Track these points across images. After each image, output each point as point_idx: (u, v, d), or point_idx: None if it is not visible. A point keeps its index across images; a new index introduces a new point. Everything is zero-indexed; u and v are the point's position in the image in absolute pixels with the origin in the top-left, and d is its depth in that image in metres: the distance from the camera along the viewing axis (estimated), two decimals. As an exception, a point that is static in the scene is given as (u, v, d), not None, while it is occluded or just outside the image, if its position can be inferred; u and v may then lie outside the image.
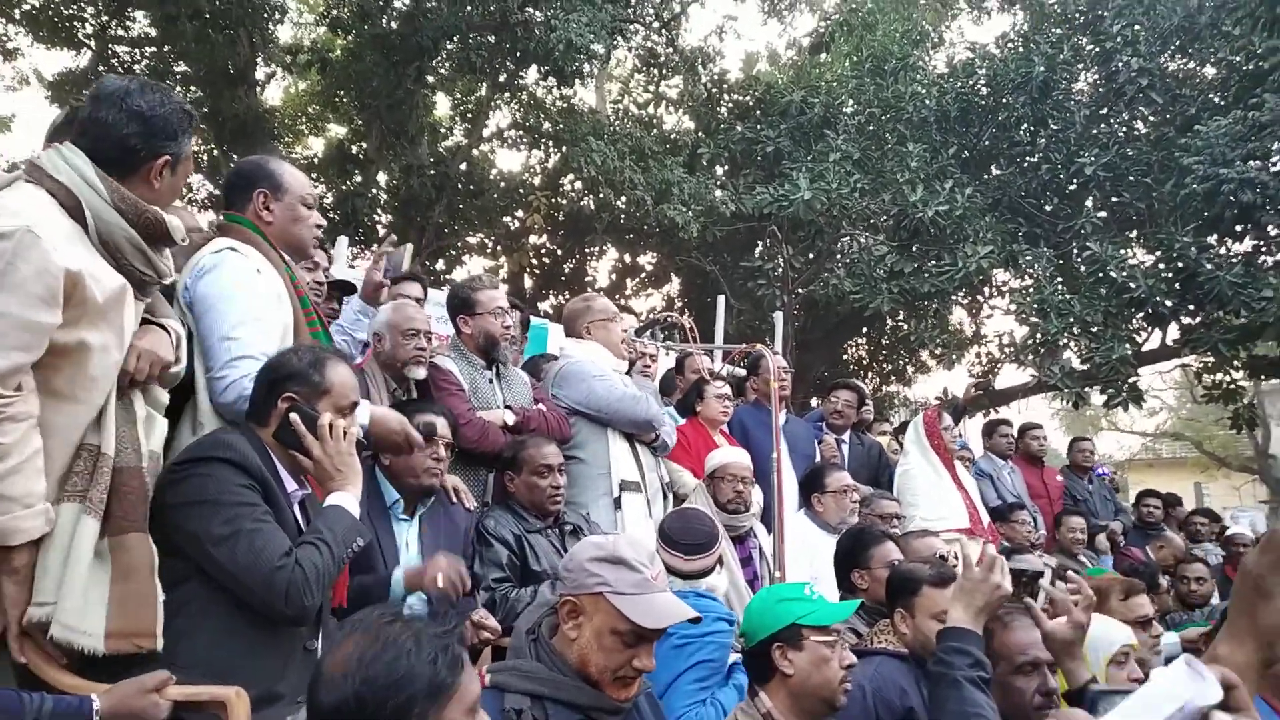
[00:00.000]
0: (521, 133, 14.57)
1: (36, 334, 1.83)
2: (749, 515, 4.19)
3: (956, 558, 4.10)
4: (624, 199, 11.44)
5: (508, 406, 3.83)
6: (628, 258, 15.76)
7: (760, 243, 13.54)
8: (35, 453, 1.85)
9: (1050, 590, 2.35)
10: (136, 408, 2.09)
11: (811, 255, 12.22)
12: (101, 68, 12.34)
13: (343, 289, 3.53)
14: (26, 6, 11.68)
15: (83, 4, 11.96)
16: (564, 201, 14.89)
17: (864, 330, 14.45)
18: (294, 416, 2.17)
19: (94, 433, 1.99)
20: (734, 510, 4.09)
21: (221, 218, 2.68)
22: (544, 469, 3.41)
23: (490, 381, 3.88)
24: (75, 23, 12.06)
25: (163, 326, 2.22)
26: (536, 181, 15.24)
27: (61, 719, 1.71)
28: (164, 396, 2.23)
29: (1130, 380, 9.62)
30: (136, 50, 12.71)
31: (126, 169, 2.04)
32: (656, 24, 13.37)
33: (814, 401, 13.38)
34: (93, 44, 12.30)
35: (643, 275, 16.09)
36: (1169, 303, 9.33)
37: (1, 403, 1.79)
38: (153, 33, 12.20)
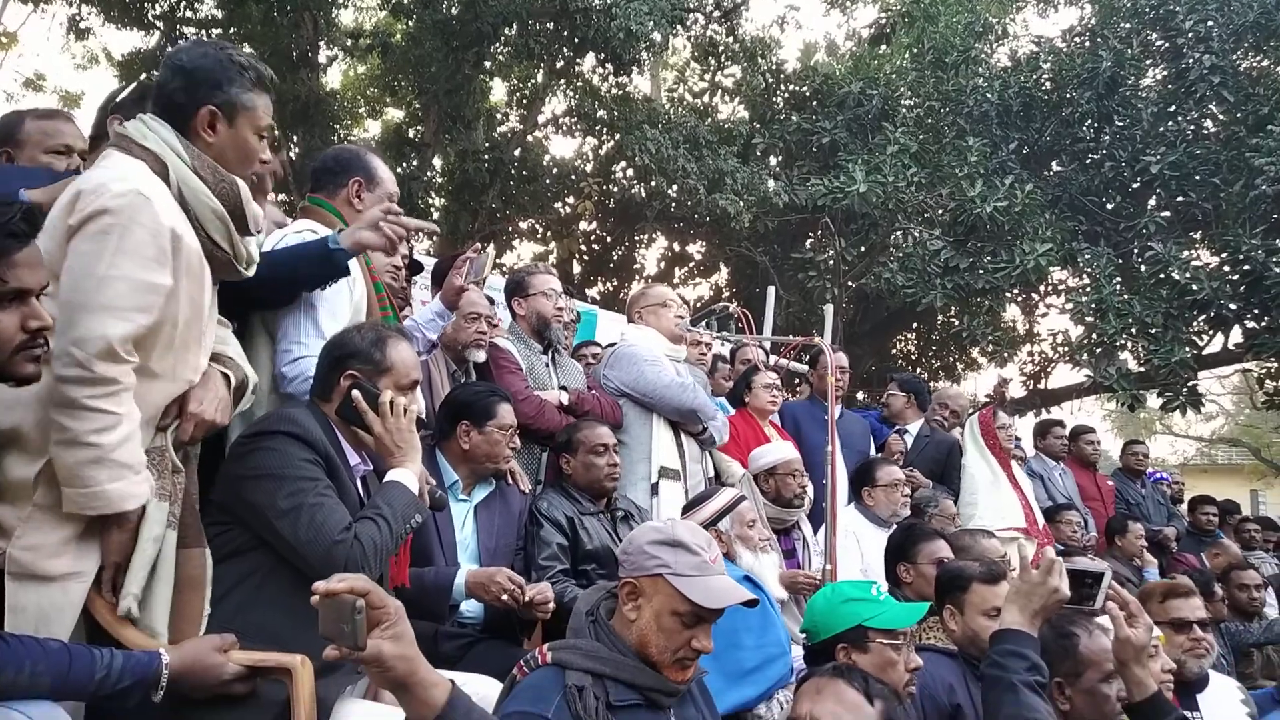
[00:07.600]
0: (576, 119, 14.55)
1: (154, 295, 1.86)
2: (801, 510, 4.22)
3: (1008, 559, 4.07)
4: (676, 187, 11.37)
5: (562, 388, 3.92)
6: (677, 246, 15.70)
7: (812, 234, 13.42)
8: (137, 420, 1.87)
9: (1117, 590, 2.31)
10: None
11: (864, 248, 12.07)
12: (169, 48, 12.58)
13: (412, 269, 3.58)
14: (100, -12, 11.97)
15: (154, -15, 12.22)
16: (615, 189, 14.85)
17: (914, 325, 14.27)
18: (356, 394, 2.21)
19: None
20: (797, 505, 4.13)
21: (305, 200, 2.76)
22: (600, 448, 3.47)
23: (546, 365, 3.99)
24: (146, 4, 12.25)
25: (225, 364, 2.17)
26: (589, 168, 15.22)
27: (132, 673, 1.74)
28: None
29: (1190, 384, 9.40)
30: (203, 32, 12.89)
31: (180, 126, 2.01)
32: (717, 13, 13.28)
33: (859, 395, 13.28)
34: (161, 25, 12.50)
35: (692, 264, 16.03)
36: (1233, 306, 9.11)
37: (121, 370, 1.80)
38: (219, 15, 12.40)
